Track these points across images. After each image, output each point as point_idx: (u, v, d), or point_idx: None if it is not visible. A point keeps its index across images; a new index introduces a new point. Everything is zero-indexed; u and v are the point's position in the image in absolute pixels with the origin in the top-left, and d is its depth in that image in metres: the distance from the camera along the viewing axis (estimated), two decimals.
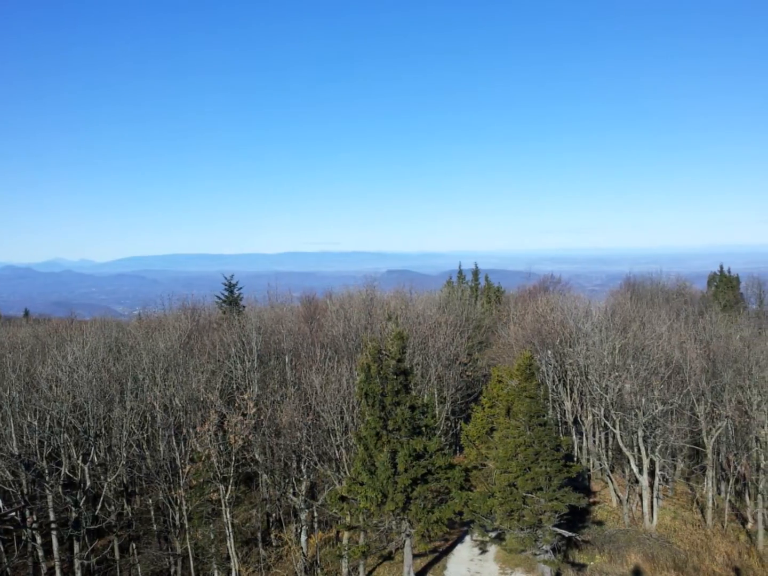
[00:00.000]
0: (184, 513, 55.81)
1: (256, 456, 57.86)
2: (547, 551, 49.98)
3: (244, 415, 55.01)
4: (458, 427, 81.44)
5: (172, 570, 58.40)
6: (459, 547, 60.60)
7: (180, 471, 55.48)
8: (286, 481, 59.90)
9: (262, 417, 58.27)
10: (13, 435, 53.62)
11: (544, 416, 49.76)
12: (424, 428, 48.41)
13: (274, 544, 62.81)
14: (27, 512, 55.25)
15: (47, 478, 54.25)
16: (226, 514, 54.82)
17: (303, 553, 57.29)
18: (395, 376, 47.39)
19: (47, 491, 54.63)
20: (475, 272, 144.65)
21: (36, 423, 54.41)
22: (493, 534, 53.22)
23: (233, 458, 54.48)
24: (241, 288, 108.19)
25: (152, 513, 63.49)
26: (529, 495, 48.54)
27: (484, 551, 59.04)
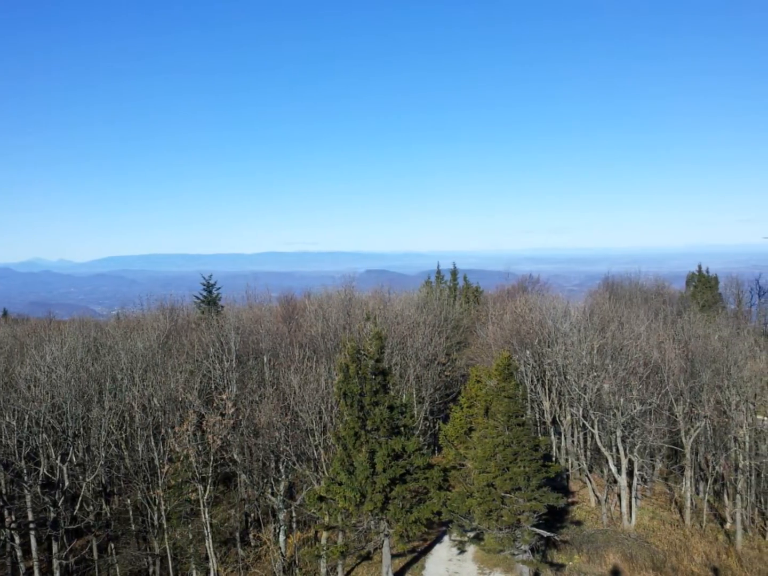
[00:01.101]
0: (163, 513, 55.68)
1: (235, 456, 57.71)
2: (525, 551, 50.10)
3: (222, 415, 54.87)
4: (437, 427, 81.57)
5: (151, 570, 58.21)
6: (437, 547, 60.64)
7: (158, 471, 55.40)
8: (265, 481, 59.75)
9: (240, 417, 58.17)
10: None
11: (522, 416, 49.84)
12: (402, 428, 48.40)
13: (252, 544, 62.68)
14: (5, 512, 54.98)
15: (26, 478, 53.92)
16: (204, 514, 54.64)
17: (281, 553, 57.21)
18: (374, 376, 47.39)
19: (26, 491, 54.35)
20: (454, 272, 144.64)
21: (14, 423, 54.02)
22: (471, 534, 53.28)
23: (212, 458, 54.33)
24: (219, 288, 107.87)
25: (131, 513, 63.33)
26: (508, 495, 48.63)
27: (462, 551, 59.10)
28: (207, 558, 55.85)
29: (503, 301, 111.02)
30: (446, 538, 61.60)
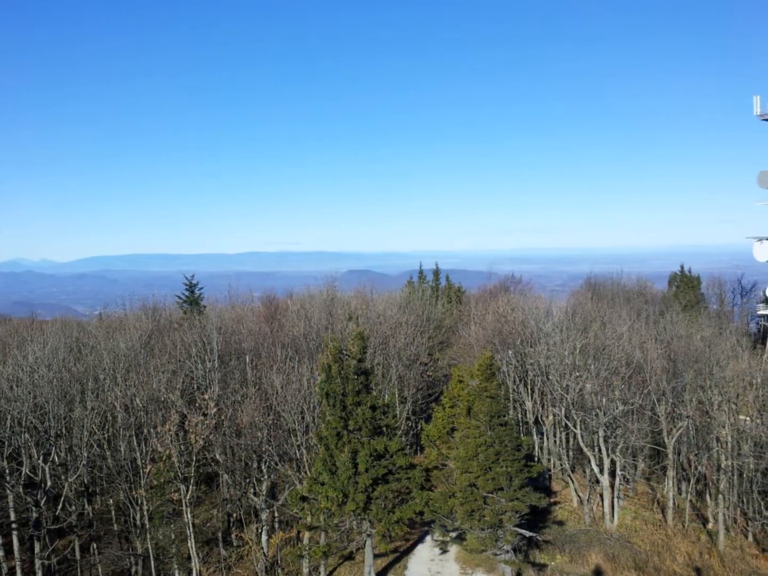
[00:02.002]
0: (145, 513, 55.67)
1: (217, 456, 57.66)
2: (507, 551, 50.17)
3: (204, 415, 54.86)
4: (419, 427, 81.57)
5: (133, 570, 58.13)
6: (420, 547, 60.65)
7: (141, 471, 55.46)
8: (247, 481, 59.73)
9: (222, 417, 58.14)
10: None
11: (504, 416, 49.95)
12: (384, 428, 48.42)
13: (234, 544, 62.58)
14: None
15: (8, 478, 53.97)
16: (186, 514, 54.55)
17: (264, 553, 57.16)
18: (356, 376, 47.38)
19: (8, 491, 54.41)
20: (436, 272, 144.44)
21: None
22: (453, 534, 53.36)
23: (194, 458, 54.28)
24: (201, 288, 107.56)
25: (113, 513, 63.20)
26: (490, 495, 48.69)
27: (444, 551, 59.12)
28: (189, 558, 55.78)
29: (485, 301, 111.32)
30: (428, 538, 61.59)
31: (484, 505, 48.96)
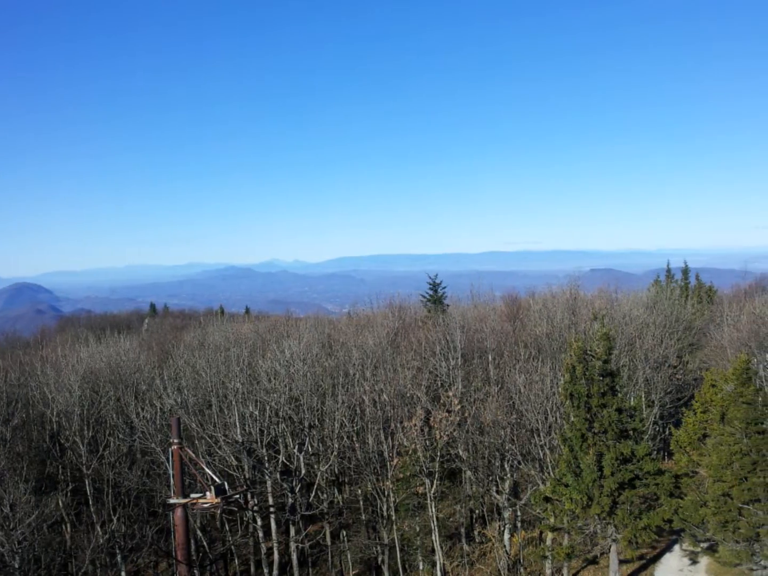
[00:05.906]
0: (391, 504, 57.50)
1: (461, 452, 58.51)
2: (765, 567, 47.65)
3: (449, 411, 55.87)
4: (667, 432, 79.01)
5: (380, 559, 60.22)
6: (667, 555, 58.78)
7: (387, 464, 57.18)
8: (490, 478, 60.29)
9: (466, 414, 58.87)
10: (237, 423, 57.10)
11: (762, 423, 47.44)
12: (631, 432, 47.38)
13: (477, 540, 63.46)
14: (249, 496, 58.63)
15: (267, 464, 57.75)
16: (431, 507, 55.95)
17: (506, 551, 57.54)
18: (601, 378, 46.68)
19: (266, 477, 58.19)
20: (685, 271, 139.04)
21: (257, 413, 57.56)
22: (704, 545, 51.36)
23: (438, 453, 55.51)
24: (444, 287, 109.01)
25: (361, 503, 65.77)
26: (746, 506, 46.47)
27: (694, 562, 56.94)
28: (433, 551, 57.11)
29: (740, 302, 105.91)
30: (677, 547, 59.57)
31: (738, 517, 46.78)
